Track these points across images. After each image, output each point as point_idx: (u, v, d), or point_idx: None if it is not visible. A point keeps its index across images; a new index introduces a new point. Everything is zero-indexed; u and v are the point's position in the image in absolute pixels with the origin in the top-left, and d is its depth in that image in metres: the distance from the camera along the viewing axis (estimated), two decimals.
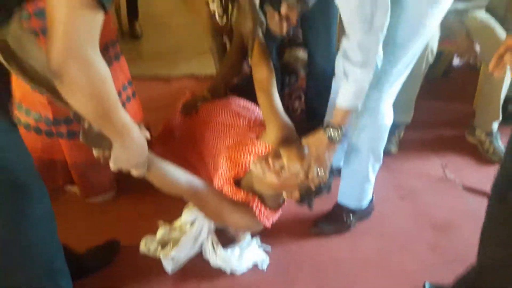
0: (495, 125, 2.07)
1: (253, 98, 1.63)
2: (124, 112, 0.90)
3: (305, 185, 1.32)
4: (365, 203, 1.63)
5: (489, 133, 2.08)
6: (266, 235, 1.57)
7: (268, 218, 1.43)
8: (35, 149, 1.51)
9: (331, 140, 1.28)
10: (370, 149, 1.48)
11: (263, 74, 1.51)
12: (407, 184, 1.89)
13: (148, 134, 1.07)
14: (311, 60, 1.95)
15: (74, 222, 1.62)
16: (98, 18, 0.74)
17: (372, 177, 1.57)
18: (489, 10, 2.17)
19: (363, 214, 1.66)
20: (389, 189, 1.86)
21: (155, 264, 1.46)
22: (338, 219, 1.63)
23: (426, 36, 1.33)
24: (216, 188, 1.47)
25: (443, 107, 2.48)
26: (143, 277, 1.45)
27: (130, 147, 0.99)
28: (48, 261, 1.05)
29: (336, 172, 1.40)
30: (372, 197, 1.65)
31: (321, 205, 1.65)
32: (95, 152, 1.10)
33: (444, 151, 2.11)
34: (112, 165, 1.05)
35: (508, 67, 1.08)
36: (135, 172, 1.12)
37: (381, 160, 1.54)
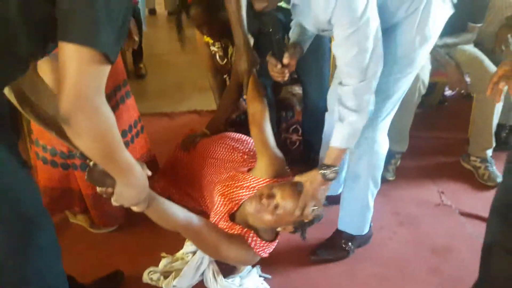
0: (489, 152, 2.13)
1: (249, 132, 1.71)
2: (127, 152, 0.96)
3: (299, 220, 1.38)
4: (365, 229, 1.67)
5: (484, 160, 2.13)
6: (266, 264, 1.60)
7: (264, 250, 1.46)
8: (52, 180, 1.61)
9: (325, 178, 1.33)
10: (369, 176, 1.55)
11: (256, 109, 1.60)
12: (404, 210, 1.93)
13: (149, 172, 1.11)
14: (305, 96, 2.05)
15: (79, 253, 1.65)
16: (105, 70, 0.81)
17: (371, 203, 1.62)
18: (478, 44, 2.29)
19: (362, 240, 1.69)
20: (387, 215, 1.90)
21: None
22: (337, 246, 1.66)
23: (417, 70, 1.43)
24: (213, 223, 1.51)
25: (439, 136, 2.55)
26: None
27: (132, 185, 1.04)
28: (59, 284, 1.09)
29: (326, 203, 1.46)
30: (370, 223, 1.68)
31: (319, 233, 1.69)
32: (98, 190, 1.14)
33: (441, 177, 2.16)
34: (114, 202, 1.10)
35: (503, 94, 1.17)
36: (135, 208, 1.16)
37: (379, 186, 1.60)
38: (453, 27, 2.19)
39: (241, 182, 1.54)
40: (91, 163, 1.11)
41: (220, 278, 1.48)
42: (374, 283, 1.57)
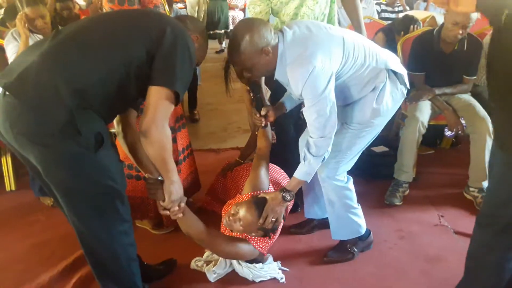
0: (485, 183, 2.46)
1: (274, 160, 2.20)
2: (173, 162, 1.47)
3: (263, 227, 1.80)
4: (356, 234, 2.03)
5: (481, 190, 2.47)
6: (287, 260, 2.03)
7: (260, 245, 1.86)
8: (136, 191, 2.14)
9: (284, 199, 1.78)
10: (341, 201, 1.95)
11: (262, 144, 2.07)
12: (406, 228, 2.29)
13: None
14: None
15: (144, 248, 2.11)
16: (172, 105, 1.38)
17: (356, 218, 2.00)
18: (475, 95, 2.70)
19: (364, 245, 2.08)
20: (391, 232, 2.27)
21: (201, 276, 1.96)
22: (344, 250, 2.06)
23: (375, 131, 1.85)
24: (221, 232, 1.93)
25: (447, 171, 2.92)
26: (192, 284, 1.94)
27: (174, 182, 1.52)
28: (129, 250, 1.57)
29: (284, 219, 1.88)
30: (368, 229, 2.08)
31: (331, 240, 2.10)
32: (150, 195, 1.62)
33: (443, 205, 2.51)
34: (161, 206, 1.58)
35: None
36: (173, 216, 1.63)
37: (357, 207, 2.00)
38: (451, 79, 2.66)
39: (235, 200, 1.96)
40: (146, 175, 1.63)
41: (245, 264, 1.92)
42: (372, 281, 1.94)
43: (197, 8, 7.00)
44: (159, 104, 1.35)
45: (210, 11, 7.15)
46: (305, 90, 1.62)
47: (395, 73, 1.80)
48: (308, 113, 1.67)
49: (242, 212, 1.77)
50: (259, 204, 1.79)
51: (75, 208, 1.44)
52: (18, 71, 1.29)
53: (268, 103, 2.10)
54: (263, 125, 1.98)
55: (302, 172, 1.76)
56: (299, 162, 2.12)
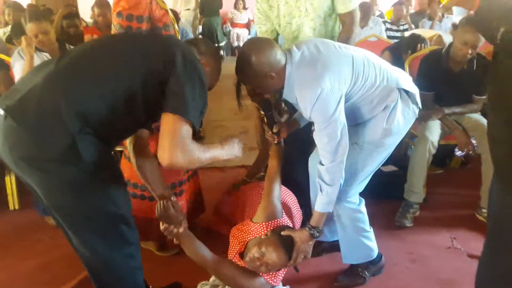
0: None
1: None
2: (211, 152, 1.44)
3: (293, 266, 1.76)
4: (366, 258, 1.98)
5: None
6: (295, 285, 1.97)
7: (272, 278, 1.80)
8: (140, 211, 2.08)
9: (312, 236, 1.72)
10: (353, 225, 1.90)
11: (272, 164, 2.02)
12: (417, 251, 2.24)
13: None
14: None
15: (148, 269, 2.05)
16: (191, 129, 1.31)
17: (367, 242, 1.94)
18: (484, 114, 2.67)
19: (375, 269, 2.02)
20: (402, 254, 2.21)
21: None
22: (355, 274, 2.00)
23: (386, 152, 1.81)
24: (230, 260, 1.87)
25: (458, 192, 2.87)
26: None
27: (229, 148, 1.57)
28: (135, 273, 1.53)
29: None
30: (380, 253, 2.02)
31: (341, 263, 2.04)
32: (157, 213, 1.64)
33: (455, 226, 2.45)
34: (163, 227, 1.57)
35: None
36: (176, 241, 1.63)
37: (369, 231, 1.95)
38: (460, 98, 2.63)
39: (245, 226, 1.88)
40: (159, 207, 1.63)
41: None
42: None
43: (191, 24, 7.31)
44: (175, 130, 1.28)
45: (207, 26, 7.75)
46: (314, 113, 1.59)
47: (406, 92, 1.76)
48: (318, 138, 1.63)
49: (269, 256, 1.70)
50: (286, 245, 1.72)
51: (78, 232, 1.41)
52: (21, 94, 1.27)
53: (281, 120, 2.09)
54: (275, 142, 1.95)
55: (322, 204, 1.70)
56: (303, 179, 2.08)
